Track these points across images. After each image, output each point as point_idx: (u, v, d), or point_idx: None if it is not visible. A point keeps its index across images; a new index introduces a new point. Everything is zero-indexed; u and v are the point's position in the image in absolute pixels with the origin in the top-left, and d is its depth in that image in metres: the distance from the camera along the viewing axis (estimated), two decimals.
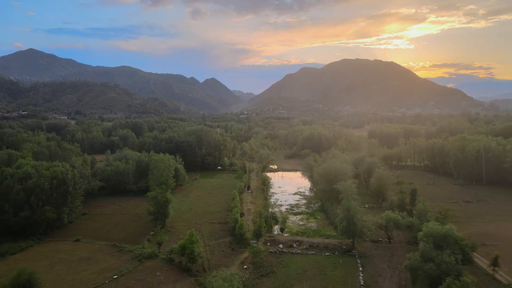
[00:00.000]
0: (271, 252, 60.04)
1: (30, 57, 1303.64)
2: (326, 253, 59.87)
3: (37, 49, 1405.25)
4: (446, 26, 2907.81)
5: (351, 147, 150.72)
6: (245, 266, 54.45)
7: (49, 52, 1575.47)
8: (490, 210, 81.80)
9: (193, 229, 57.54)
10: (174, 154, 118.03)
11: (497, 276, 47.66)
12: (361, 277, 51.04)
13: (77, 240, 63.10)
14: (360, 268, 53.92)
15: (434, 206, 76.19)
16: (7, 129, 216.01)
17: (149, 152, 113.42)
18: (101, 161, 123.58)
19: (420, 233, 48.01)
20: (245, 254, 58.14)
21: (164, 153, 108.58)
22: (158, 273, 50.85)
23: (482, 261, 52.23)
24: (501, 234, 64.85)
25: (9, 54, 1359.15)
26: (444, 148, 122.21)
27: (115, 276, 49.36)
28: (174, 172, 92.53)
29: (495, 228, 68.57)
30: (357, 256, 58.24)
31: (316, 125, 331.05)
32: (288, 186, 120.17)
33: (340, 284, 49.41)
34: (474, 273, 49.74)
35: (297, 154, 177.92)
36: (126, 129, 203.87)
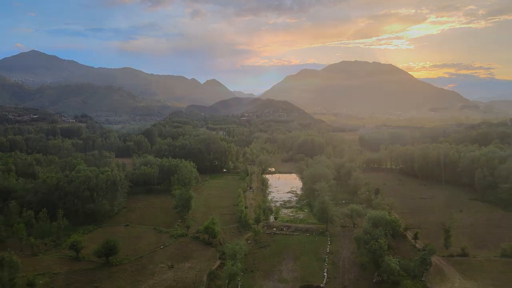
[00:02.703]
0: (267, 233, 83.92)
1: (33, 58, 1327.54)
2: (307, 234, 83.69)
3: (39, 50, 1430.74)
4: (446, 27, 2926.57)
5: (337, 153, 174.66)
6: (248, 242, 78.34)
7: (51, 53, 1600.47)
8: (437, 205, 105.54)
9: (213, 215, 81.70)
10: (187, 159, 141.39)
11: (417, 245, 71.49)
12: (328, 248, 74.96)
13: (127, 225, 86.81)
14: (329, 243, 77.82)
15: (392, 201, 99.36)
16: (28, 134, 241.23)
17: (168, 158, 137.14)
18: (126, 164, 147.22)
19: (366, 217, 71.97)
20: (249, 234, 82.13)
21: (181, 159, 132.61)
22: (189, 245, 74.77)
23: (411, 237, 76.09)
24: (435, 221, 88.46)
25: (12, 56, 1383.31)
26: (414, 154, 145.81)
27: (161, 246, 73.25)
28: (194, 175, 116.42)
29: (433, 217, 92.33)
30: (328, 236, 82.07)
31: (313, 129, 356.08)
32: (284, 186, 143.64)
33: (313, 252, 73.34)
34: (403, 243, 74.00)
35: (293, 158, 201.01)
36: (139, 135, 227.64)
